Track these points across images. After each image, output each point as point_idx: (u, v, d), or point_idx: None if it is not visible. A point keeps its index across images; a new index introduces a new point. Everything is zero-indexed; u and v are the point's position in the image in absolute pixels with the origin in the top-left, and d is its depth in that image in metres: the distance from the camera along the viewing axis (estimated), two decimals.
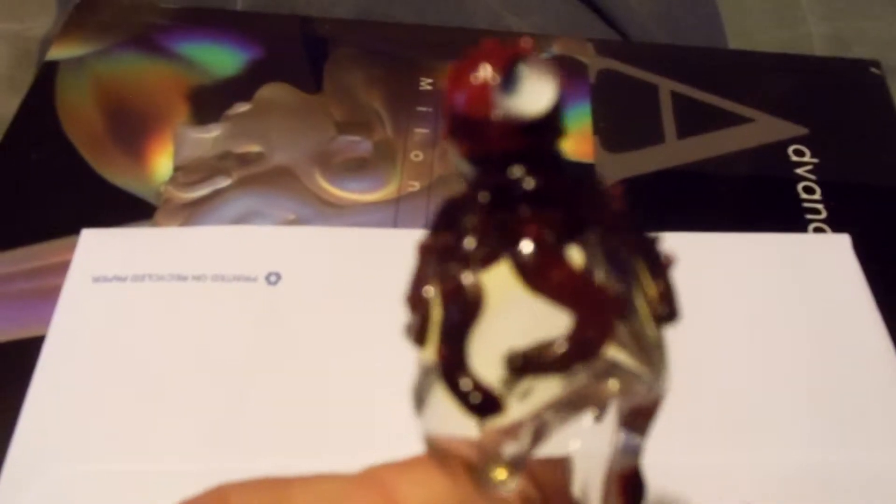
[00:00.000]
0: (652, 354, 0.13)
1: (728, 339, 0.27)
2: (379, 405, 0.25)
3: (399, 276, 0.28)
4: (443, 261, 0.13)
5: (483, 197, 0.12)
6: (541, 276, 0.12)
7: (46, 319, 0.26)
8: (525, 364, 0.12)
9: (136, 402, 0.25)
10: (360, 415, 0.25)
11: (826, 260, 0.29)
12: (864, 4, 0.42)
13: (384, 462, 0.15)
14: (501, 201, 0.12)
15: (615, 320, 0.12)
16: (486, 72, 0.12)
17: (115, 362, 0.26)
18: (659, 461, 0.23)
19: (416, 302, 0.13)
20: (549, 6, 0.39)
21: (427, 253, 0.13)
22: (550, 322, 0.12)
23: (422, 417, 0.13)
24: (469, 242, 0.12)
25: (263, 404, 0.25)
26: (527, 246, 0.12)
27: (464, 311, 0.12)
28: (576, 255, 0.12)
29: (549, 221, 0.12)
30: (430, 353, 0.13)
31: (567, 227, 0.12)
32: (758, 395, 0.26)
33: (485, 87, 0.12)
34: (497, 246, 0.12)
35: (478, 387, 0.12)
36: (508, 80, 0.12)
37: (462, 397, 0.12)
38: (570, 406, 0.13)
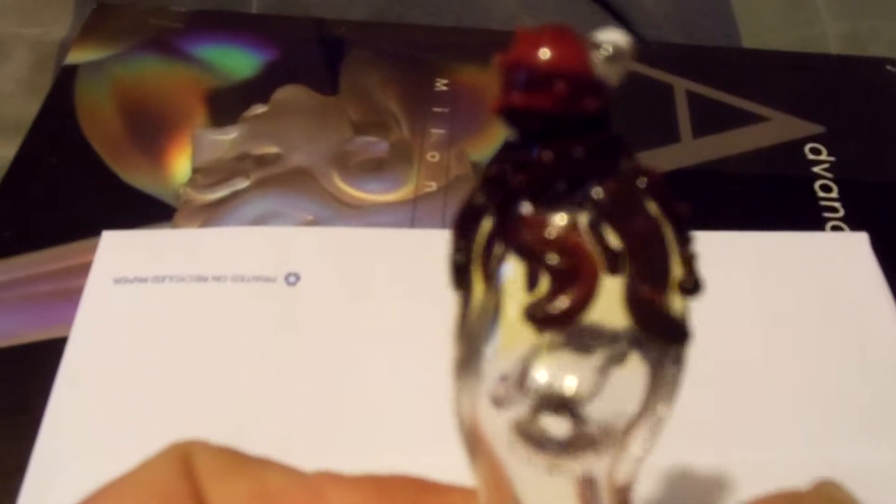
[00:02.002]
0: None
1: (746, 338, 0.27)
2: (398, 405, 0.25)
3: (417, 274, 0.28)
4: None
5: (578, 152, 0.12)
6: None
7: (69, 320, 0.27)
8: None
9: (156, 402, 0.25)
10: (380, 415, 0.25)
11: (844, 258, 0.29)
12: (878, 3, 0.42)
13: (334, 472, 0.16)
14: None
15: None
16: (575, 36, 0.12)
17: (137, 362, 0.26)
18: (676, 459, 0.23)
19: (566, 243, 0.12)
20: (563, 7, 0.39)
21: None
22: None
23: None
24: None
25: (282, 404, 0.25)
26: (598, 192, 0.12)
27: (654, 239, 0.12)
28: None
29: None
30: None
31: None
32: (775, 393, 0.26)
33: (581, 47, 0.12)
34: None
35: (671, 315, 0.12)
36: (597, 44, 0.12)
37: (668, 329, 0.12)
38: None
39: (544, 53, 0.12)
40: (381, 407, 0.25)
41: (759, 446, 0.24)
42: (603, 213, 0.12)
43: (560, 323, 0.12)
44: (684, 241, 0.12)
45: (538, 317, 0.12)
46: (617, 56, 0.12)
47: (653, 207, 0.12)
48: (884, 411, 0.26)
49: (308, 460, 0.24)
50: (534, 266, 0.12)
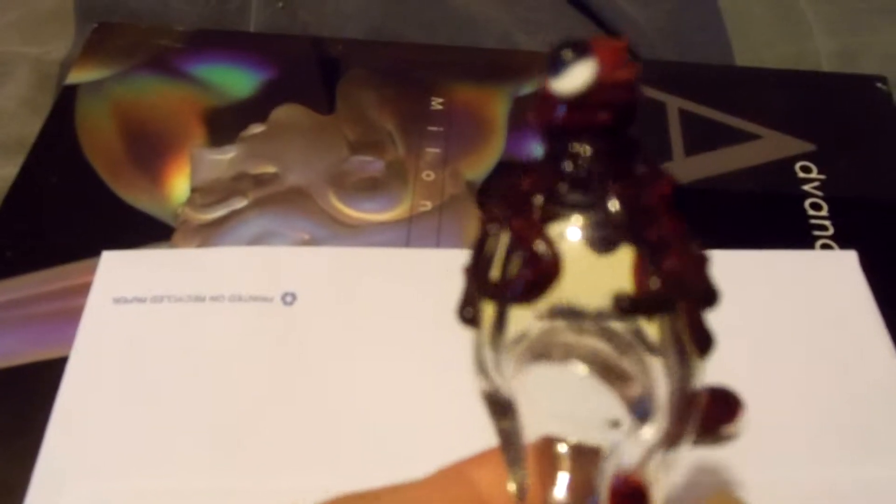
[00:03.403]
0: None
1: (736, 356, 0.27)
2: (394, 423, 0.25)
3: (412, 294, 0.29)
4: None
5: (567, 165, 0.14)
6: (645, 227, 0.14)
7: (69, 340, 0.27)
8: (631, 305, 0.13)
9: (156, 421, 0.25)
10: (376, 432, 0.25)
11: (833, 276, 0.29)
12: (870, 20, 0.42)
13: (456, 461, 0.16)
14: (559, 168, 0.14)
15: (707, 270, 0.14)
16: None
17: (136, 382, 0.26)
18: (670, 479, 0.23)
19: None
20: (557, 24, 0.40)
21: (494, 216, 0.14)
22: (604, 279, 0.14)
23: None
24: (538, 199, 0.14)
25: (280, 423, 0.25)
26: (614, 203, 0.14)
27: (483, 252, 0.14)
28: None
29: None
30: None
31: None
32: (765, 412, 0.26)
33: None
34: (568, 205, 0.14)
35: (472, 304, 0.14)
36: (554, 63, 0.13)
37: (461, 309, 0.14)
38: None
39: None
40: (378, 424, 0.25)
41: (745, 464, 0.25)
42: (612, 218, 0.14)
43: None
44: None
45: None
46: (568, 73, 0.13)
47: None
48: (871, 428, 0.26)
49: (304, 478, 0.24)
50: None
